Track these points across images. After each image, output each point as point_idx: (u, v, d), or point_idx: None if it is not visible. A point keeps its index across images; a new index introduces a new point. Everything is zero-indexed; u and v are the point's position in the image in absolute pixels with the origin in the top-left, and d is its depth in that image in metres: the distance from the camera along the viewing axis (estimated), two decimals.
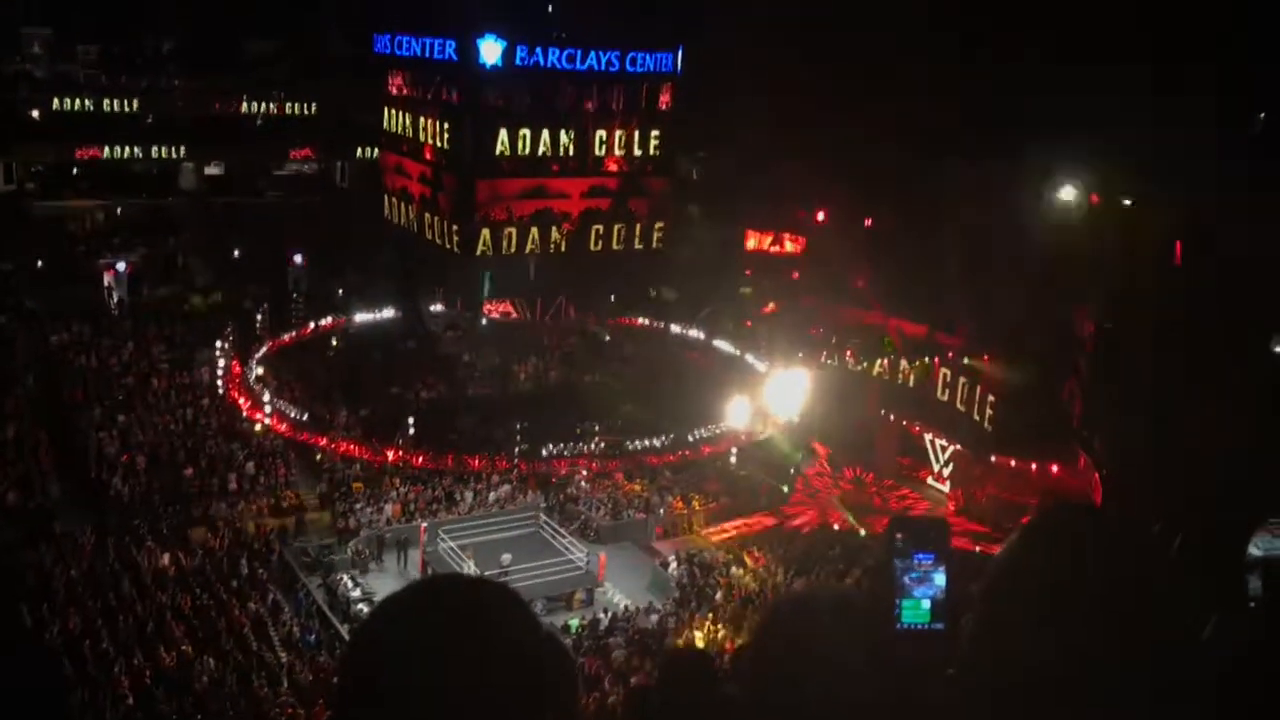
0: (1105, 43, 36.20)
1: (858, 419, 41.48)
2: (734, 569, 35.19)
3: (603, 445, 38.88)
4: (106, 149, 54.92)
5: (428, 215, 47.31)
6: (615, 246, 46.69)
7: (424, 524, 35.23)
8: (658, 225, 47.64)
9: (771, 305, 46.36)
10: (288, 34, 63.33)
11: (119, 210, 52.92)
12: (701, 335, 45.37)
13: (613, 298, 47.40)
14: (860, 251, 43.40)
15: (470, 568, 32.15)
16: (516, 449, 37.53)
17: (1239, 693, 2.15)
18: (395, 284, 45.18)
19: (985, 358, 38.55)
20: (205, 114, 59.04)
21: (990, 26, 42.04)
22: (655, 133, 46.43)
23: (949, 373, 40.34)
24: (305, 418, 37.11)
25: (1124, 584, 1.92)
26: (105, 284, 45.64)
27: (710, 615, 31.84)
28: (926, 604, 2.26)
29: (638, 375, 44.39)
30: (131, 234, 50.23)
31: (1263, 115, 36.13)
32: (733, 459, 39.50)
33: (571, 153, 44.87)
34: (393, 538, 35.13)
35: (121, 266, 45.93)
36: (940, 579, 2.28)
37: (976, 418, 38.68)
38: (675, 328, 45.96)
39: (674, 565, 35.58)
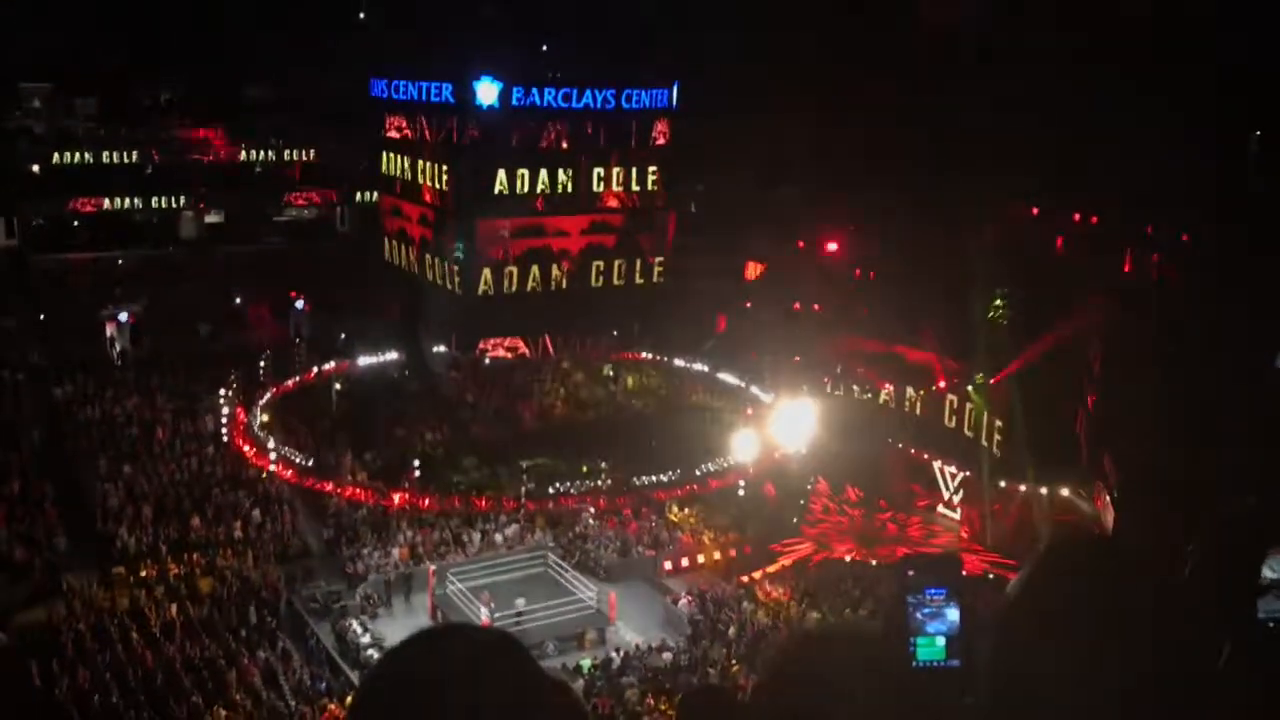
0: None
1: (866, 448, 41.33)
2: (745, 604, 34.94)
3: (609, 482, 38.70)
4: (107, 200, 55.27)
5: (428, 257, 47.47)
6: (616, 282, 46.79)
7: (433, 567, 35.04)
8: (658, 260, 47.77)
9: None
10: (285, 81, 63.80)
11: (120, 261, 53.09)
12: (706, 368, 45.33)
13: (615, 333, 47.41)
14: (860, 280, 43.47)
15: (485, 613, 31.94)
16: (523, 488, 37.36)
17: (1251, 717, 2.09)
18: (397, 327, 45.23)
19: (994, 380, 38.50)
20: (204, 163, 59.44)
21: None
22: (652, 168, 46.67)
23: (955, 399, 40.23)
24: (311, 463, 36.99)
25: (1137, 613, 1.89)
26: (108, 335, 45.73)
27: (725, 651, 31.59)
28: (941, 640, 2.24)
29: (642, 410, 44.28)
30: (134, 284, 50.33)
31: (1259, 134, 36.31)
32: (741, 492, 39.28)
33: (570, 190, 45.08)
34: (399, 581, 34.95)
35: (124, 317, 46.05)
36: (953, 614, 2.25)
37: (985, 443, 38.54)
38: (679, 361, 45.92)
39: (685, 601, 35.32)
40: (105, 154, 58.12)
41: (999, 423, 37.95)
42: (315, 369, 43.50)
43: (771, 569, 37.32)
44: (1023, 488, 36.59)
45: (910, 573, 2.30)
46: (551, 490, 37.12)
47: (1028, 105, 38.47)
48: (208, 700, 27.08)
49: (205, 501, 37.03)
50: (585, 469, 39.09)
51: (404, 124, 48.77)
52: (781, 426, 38.89)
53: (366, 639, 31.19)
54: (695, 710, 3.74)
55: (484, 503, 36.70)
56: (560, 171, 44.69)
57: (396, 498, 36.20)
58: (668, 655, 31.72)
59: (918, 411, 42.00)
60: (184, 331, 47.56)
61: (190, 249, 54.80)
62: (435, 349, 45.66)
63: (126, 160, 58.32)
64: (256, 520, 36.67)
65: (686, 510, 39.73)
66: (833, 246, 47.75)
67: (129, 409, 41.55)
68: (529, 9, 51.95)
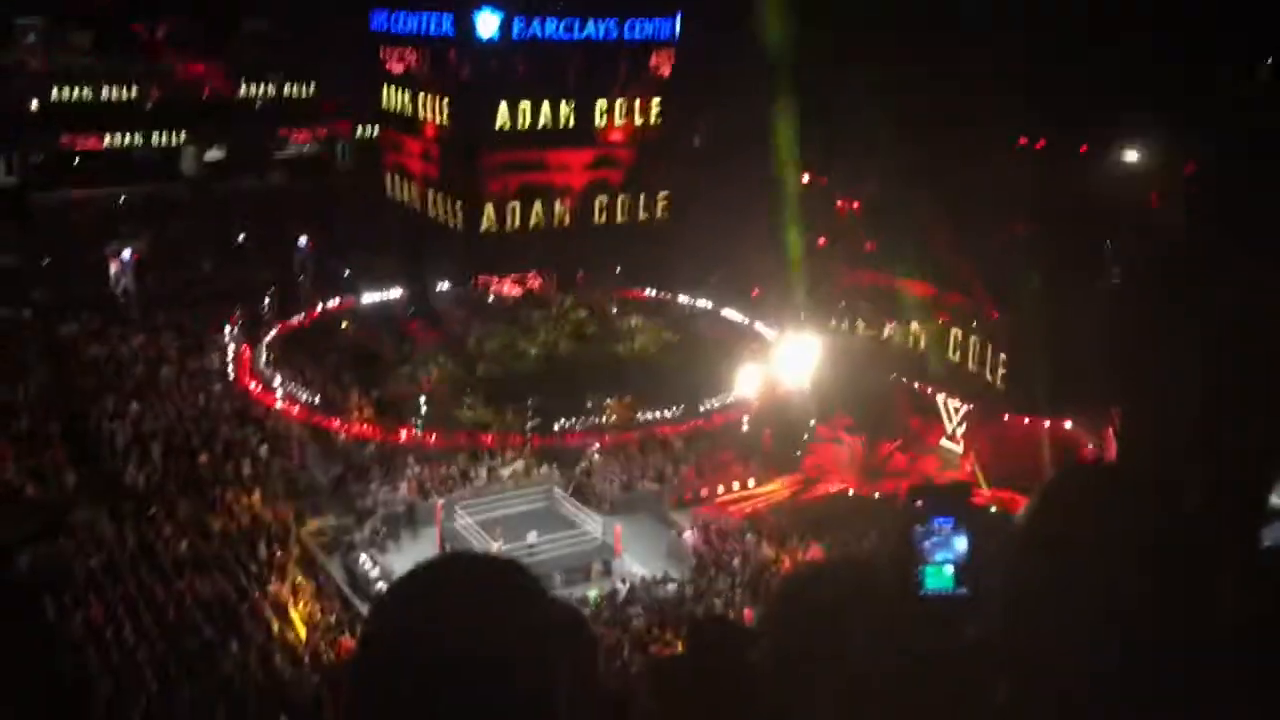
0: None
1: (869, 383, 41.40)
2: (749, 535, 35.25)
3: (614, 418, 38.85)
4: (107, 137, 54.87)
5: (430, 192, 47.20)
6: (620, 218, 46.54)
7: (440, 501, 35.34)
8: (661, 195, 47.46)
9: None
10: (284, 14, 62.95)
11: (122, 198, 52.86)
12: (709, 304, 45.27)
13: (618, 269, 47.25)
14: (868, 213, 43.25)
15: (497, 546, 32.28)
16: (528, 425, 37.52)
17: (1257, 647, 2.10)
18: (402, 263, 45.12)
19: (994, 315, 38.49)
20: (203, 98, 58.92)
21: None
22: (656, 100, 46.17)
23: (959, 332, 40.22)
24: (317, 400, 37.13)
25: (1143, 540, 1.87)
26: (111, 272, 45.69)
27: (730, 582, 31.95)
28: (949, 569, 2.24)
29: (646, 347, 44.28)
30: (136, 222, 50.17)
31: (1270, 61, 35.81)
32: (744, 427, 39.43)
33: (572, 124, 44.61)
34: (406, 515, 35.29)
35: (127, 255, 45.95)
36: (961, 543, 2.26)
37: (989, 377, 38.61)
38: (683, 297, 45.84)
39: (690, 534, 35.64)
40: (104, 89, 57.59)
41: (1003, 355, 37.98)
42: (319, 306, 43.51)
43: (771, 488, 37.60)
44: (1026, 420, 36.69)
45: (918, 503, 2.30)
46: (557, 427, 37.19)
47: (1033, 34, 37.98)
48: (220, 634, 27.47)
49: (213, 438, 37.26)
50: (589, 405, 39.16)
51: (404, 57, 48.23)
52: (785, 362, 38.85)
53: (375, 572, 31.55)
54: (703, 639, 3.79)
55: (490, 439, 36.83)
56: (562, 104, 44.22)
57: (403, 434, 36.36)
58: (673, 586, 32.11)
59: (921, 346, 42.02)
60: (187, 268, 47.53)
61: (191, 185, 54.52)
62: (439, 286, 45.59)
63: (125, 96, 57.80)
64: (264, 457, 36.92)
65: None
66: (825, 180, 47.42)
67: (135, 346, 41.66)
68: None
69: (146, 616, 28.09)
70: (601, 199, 46.15)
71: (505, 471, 37.98)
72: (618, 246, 46.22)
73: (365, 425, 36.84)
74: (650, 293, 47.40)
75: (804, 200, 48.09)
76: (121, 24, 61.54)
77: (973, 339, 39.63)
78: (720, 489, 38.71)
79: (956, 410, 40.83)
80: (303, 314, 43.06)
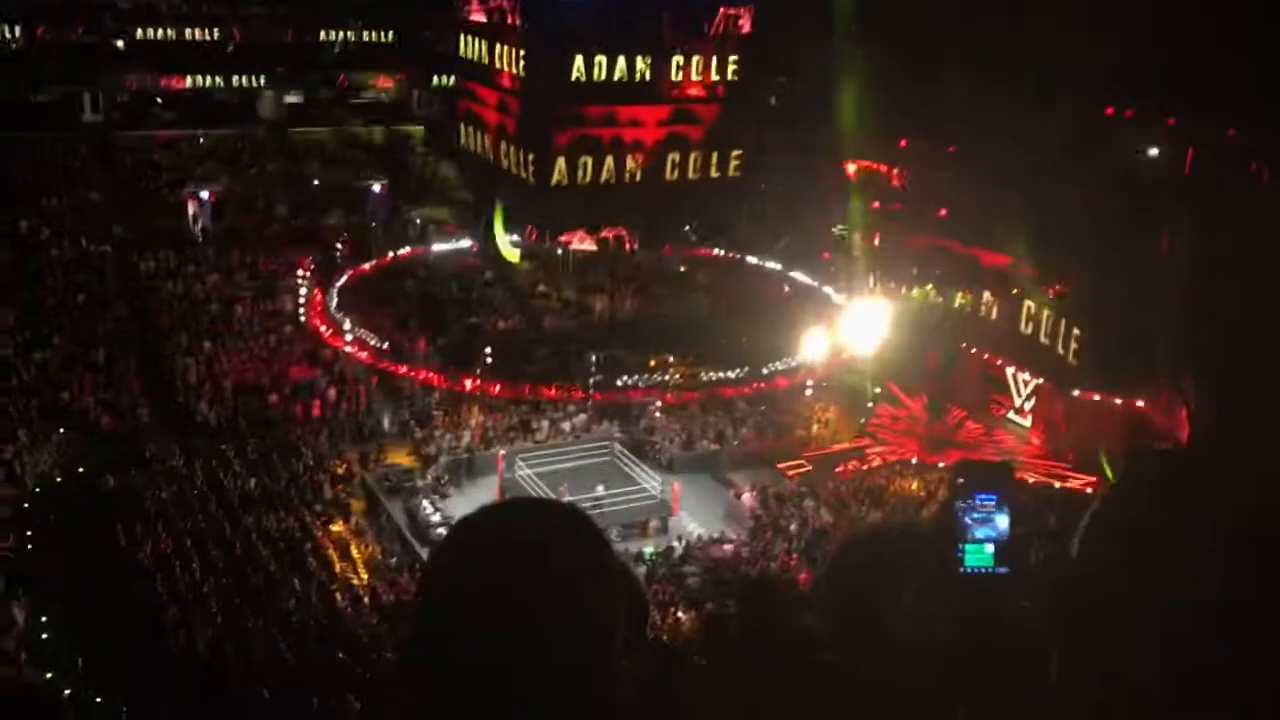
0: None
1: (938, 352, 40.95)
2: (808, 501, 35.20)
3: (677, 377, 38.85)
4: (189, 79, 55.67)
5: (503, 144, 47.27)
6: (691, 176, 46.25)
7: (501, 452, 35.73)
8: (734, 154, 47.03)
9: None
10: None
11: (201, 139, 53.72)
12: (779, 267, 44.96)
13: (688, 228, 47.04)
14: (943, 181, 42.55)
15: (564, 497, 32.62)
16: (591, 380, 37.68)
17: None
18: (472, 213, 45.37)
19: (1060, 288, 37.84)
20: (285, 43, 59.51)
21: None
22: (734, 58, 45.65)
23: (1033, 305, 39.56)
24: (385, 346, 37.62)
25: (1220, 529, 1.82)
26: (190, 213, 46.53)
27: (785, 546, 31.98)
28: (990, 547, 2.25)
29: (713, 307, 44.16)
30: (214, 163, 51.02)
31: None
32: (809, 392, 39.26)
33: (648, 79, 44.28)
34: (468, 464, 35.77)
35: (205, 195, 46.75)
36: (1003, 521, 2.26)
37: (1060, 351, 37.97)
38: (751, 259, 45.58)
39: (748, 496, 35.70)
40: (187, 31, 58.44)
41: (1076, 331, 37.32)
42: (391, 253, 43.96)
43: (841, 447, 37.57)
44: (1096, 397, 36.08)
45: (961, 479, 2.30)
46: (620, 383, 37.30)
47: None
48: (283, 570, 28.13)
49: (283, 379, 37.98)
50: (653, 363, 39.21)
51: (482, 6, 48.17)
52: (852, 328, 38.54)
53: (436, 518, 32.04)
54: (755, 600, 3.79)
55: (553, 392, 37.06)
56: (638, 59, 43.88)
57: (468, 383, 36.74)
58: (729, 547, 32.22)
59: (993, 316, 41.42)
60: (263, 211, 48.23)
61: (269, 128, 55.19)
62: (510, 238, 45.82)
63: (208, 37, 58.61)
64: (332, 400, 37.57)
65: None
66: (903, 143, 46.72)
67: (209, 286, 42.48)
68: None
69: (214, 550, 28.83)
70: (674, 156, 45.84)
71: (566, 425, 38.25)
72: (689, 204, 45.97)
73: (431, 373, 37.23)
74: (719, 252, 47.16)
75: (888, 166, 47.50)
76: None
77: (1046, 312, 38.95)
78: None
79: (1026, 384, 40.25)
80: (374, 260, 43.56)
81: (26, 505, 29.07)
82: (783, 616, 3.56)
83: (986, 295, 41.53)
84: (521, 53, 45.04)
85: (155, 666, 23.52)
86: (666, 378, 38.53)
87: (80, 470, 31.62)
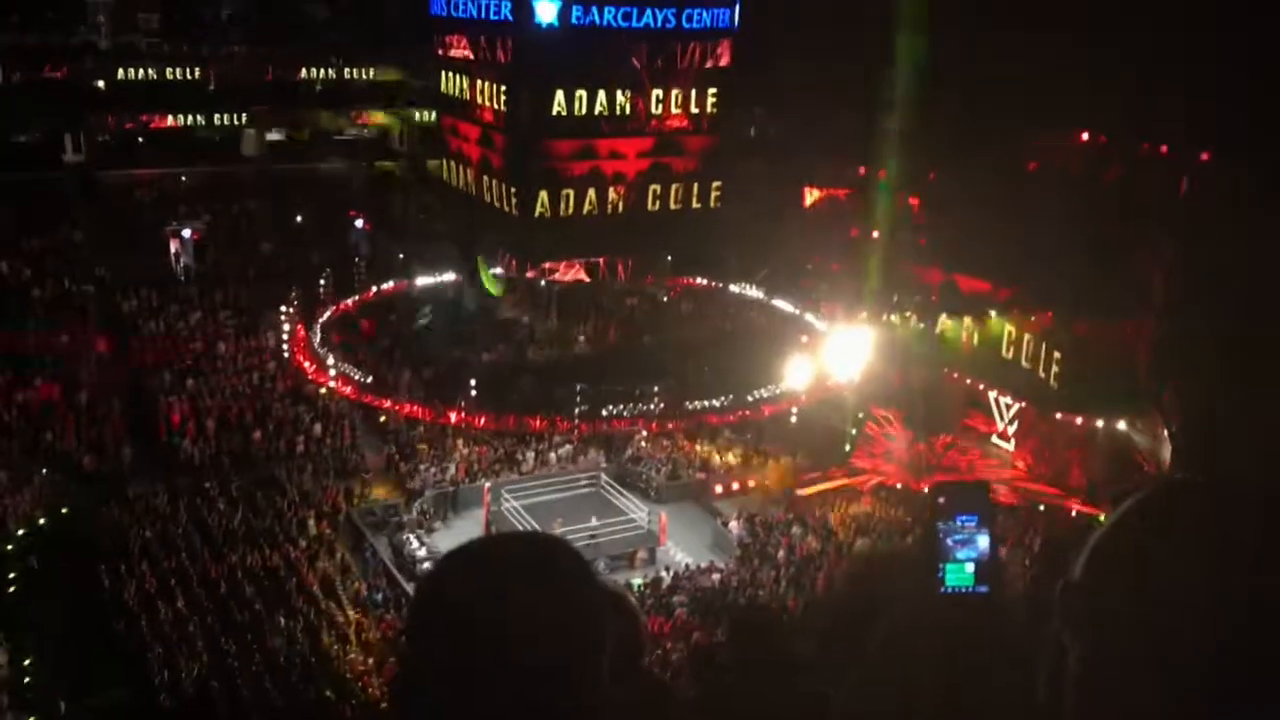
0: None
1: (920, 378, 41.07)
2: (795, 529, 35.18)
3: (662, 406, 38.92)
4: (170, 117, 55.77)
5: (485, 178, 47.41)
6: (673, 206, 46.43)
7: (488, 484, 35.65)
8: (715, 185, 47.26)
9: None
10: None
11: (183, 178, 53.73)
12: (760, 294, 45.15)
13: (669, 258, 47.21)
14: (921, 207, 42.89)
15: (559, 529, 32.58)
16: (576, 410, 37.71)
17: None
18: (455, 248, 45.43)
19: (1048, 314, 38.09)
20: (265, 81, 59.70)
21: None
22: (712, 90, 45.94)
23: (1014, 329, 39.80)
24: (369, 380, 37.57)
25: (1237, 562, 1.75)
26: (172, 251, 46.48)
27: (773, 574, 31.94)
28: (970, 567, 2.26)
29: (696, 336, 44.24)
30: (197, 201, 51.00)
31: None
32: (793, 419, 39.34)
33: (628, 112, 44.54)
34: (453, 497, 35.68)
35: (187, 234, 46.72)
36: (983, 541, 2.27)
37: (1042, 375, 38.17)
38: (734, 287, 45.76)
39: (735, 524, 35.66)
40: (168, 70, 58.56)
41: (1057, 354, 37.54)
42: (374, 288, 43.96)
43: (823, 486, 37.51)
44: (1079, 420, 36.25)
45: (940, 499, 2.31)
46: (605, 412, 37.33)
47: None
48: (269, 608, 27.95)
49: (266, 416, 37.85)
50: (638, 392, 39.24)
51: (463, 42, 48.42)
52: (836, 354, 38.70)
53: (422, 552, 31.90)
54: (745, 628, 3.82)
55: (539, 422, 37.05)
56: (619, 93, 44.14)
57: (453, 415, 36.69)
58: (716, 576, 32.16)
59: (974, 341, 41.64)
60: (246, 248, 48.21)
61: (252, 167, 55.27)
62: (493, 270, 45.89)
63: (189, 77, 58.73)
64: (317, 435, 37.45)
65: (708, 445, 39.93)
66: (882, 173, 47.16)
67: (192, 324, 42.37)
68: None
69: (198, 589, 28.63)
70: (655, 187, 45.97)
71: (552, 457, 38.22)
72: (670, 235, 46.11)
73: (416, 406, 37.18)
74: (701, 281, 47.33)
75: (860, 193, 47.90)
76: (187, 6, 62.68)
77: (1026, 336, 39.20)
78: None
79: (1008, 407, 40.42)
80: (358, 295, 43.56)
81: (10, 547, 28.84)
82: (772, 645, 3.60)
83: (967, 320, 41.74)
84: (502, 88, 45.25)
85: (140, 708, 23.32)
86: (651, 406, 38.54)
87: (63, 511, 31.42)
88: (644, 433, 38.94)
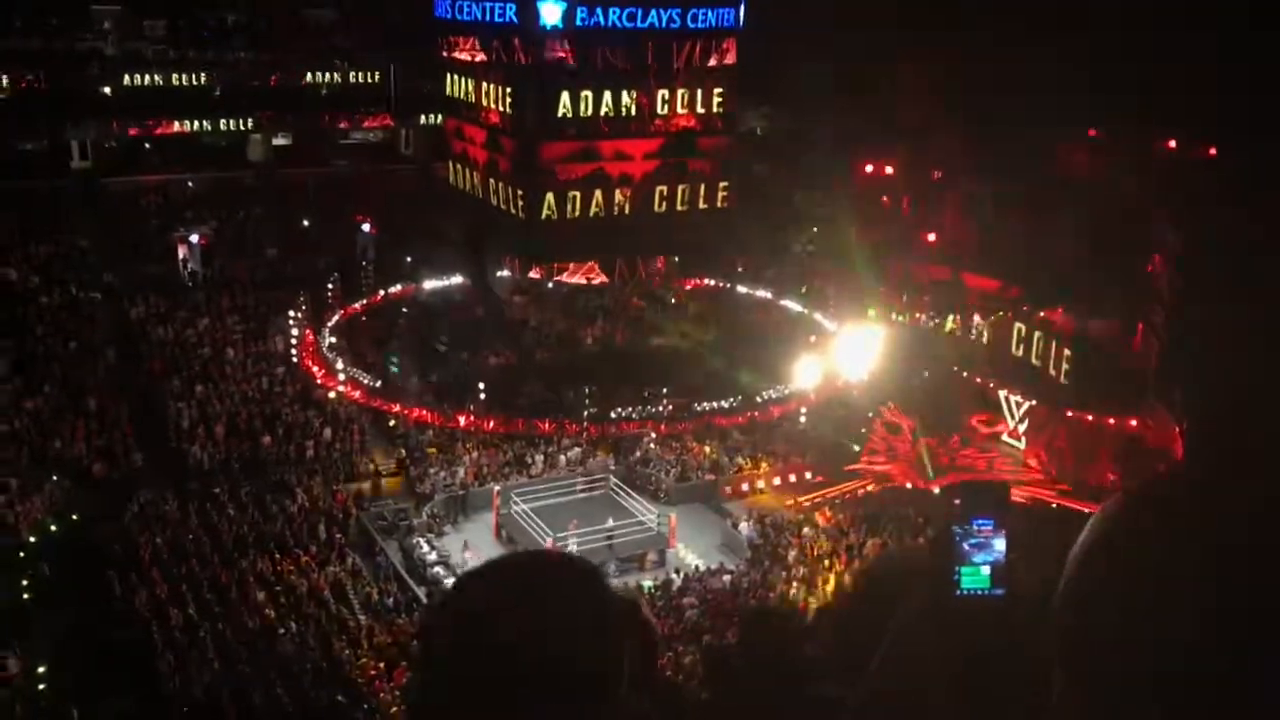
0: None
1: (930, 376, 40.99)
2: (806, 529, 35.13)
3: (671, 408, 38.86)
4: (176, 123, 55.88)
5: (492, 180, 47.44)
6: (680, 207, 46.41)
7: (497, 488, 35.65)
8: (722, 185, 47.20)
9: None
10: (349, 3, 63.75)
11: (190, 184, 53.85)
12: (768, 294, 45.11)
13: (676, 259, 47.23)
14: (930, 206, 42.83)
15: (573, 529, 32.97)
16: (585, 413, 37.69)
17: None
18: (462, 250, 45.46)
19: (1058, 311, 38.02)
20: (270, 86, 59.82)
21: None
22: (718, 90, 45.86)
23: (1024, 327, 39.69)
24: (378, 385, 37.57)
25: (1215, 569, 1.68)
26: (179, 257, 46.58)
27: (784, 575, 31.88)
28: (986, 570, 2.24)
29: (704, 336, 44.20)
30: (204, 207, 51.10)
31: None
32: (802, 419, 39.27)
33: (634, 113, 44.51)
34: (464, 500, 35.72)
35: (195, 239, 46.82)
36: (1000, 544, 2.25)
37: (1052, 372, 38.07)
38: (741, 288, 45.72)
39: (745, 525, 35.62)
40: (174, 76, 58.72)
41: (1067, 351, 37.43)
42: (382, 292, 43.99)
43: (831, 493, 37.44)
44: (1089, 417, 36.14)
45: (956, 501, 2.28)
46: (614, 415, 37.28)
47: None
48: (280, 614, 27.95)
49: (276, 421, 37.90)
50: (647, 394, 39.19)
51: (467, 45, 48.48)
52: (844, 354, 38.61)
53: (433, 556, 31.93)
54: (756, 630, 3.76)
55: (547, 426, 37.03)
56: (624, 94, 44.12)
57: (461, 419, 36.67)
58: (727, 578, 32.11)
59: (984, 339, 41.53)
60: (253, 253, 48.30)
61: (258, 171, 55.37)
62: (499, 273, 45.89)
63: (195, 83, 58.88)
64: (326, 440, 37.50)
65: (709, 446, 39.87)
66: (889, 170, 47.17)
67: (200, 329, 42.43)
68: None
69: (209, 595, 28.64)
70: (662, 188, 45.95)
71: (562, 459, 38.20)
72: (677, 236, 46.10)
73: (425, 410, 37.17)
74: (709, 282, 47.32)
75: (867, 192, 47.83)
76: (193, 12, 62.82)
77: (1036, 334, 39.09)
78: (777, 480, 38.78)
79: (1019, 405, 40.29)
80: (365, 299, 43.61)
81: (21, 554, 28.89)
82: (784, 647, 3.54)
83: (976, 319, 41.64)
84: (508, 90, 45.28)
85: (152, 715, 23.33)
86: (660, 408, 38.48)
87: (74, 518, 31.47)
88: (653, 435, 38.85)
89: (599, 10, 42.35)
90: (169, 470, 35.44)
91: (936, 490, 35.83)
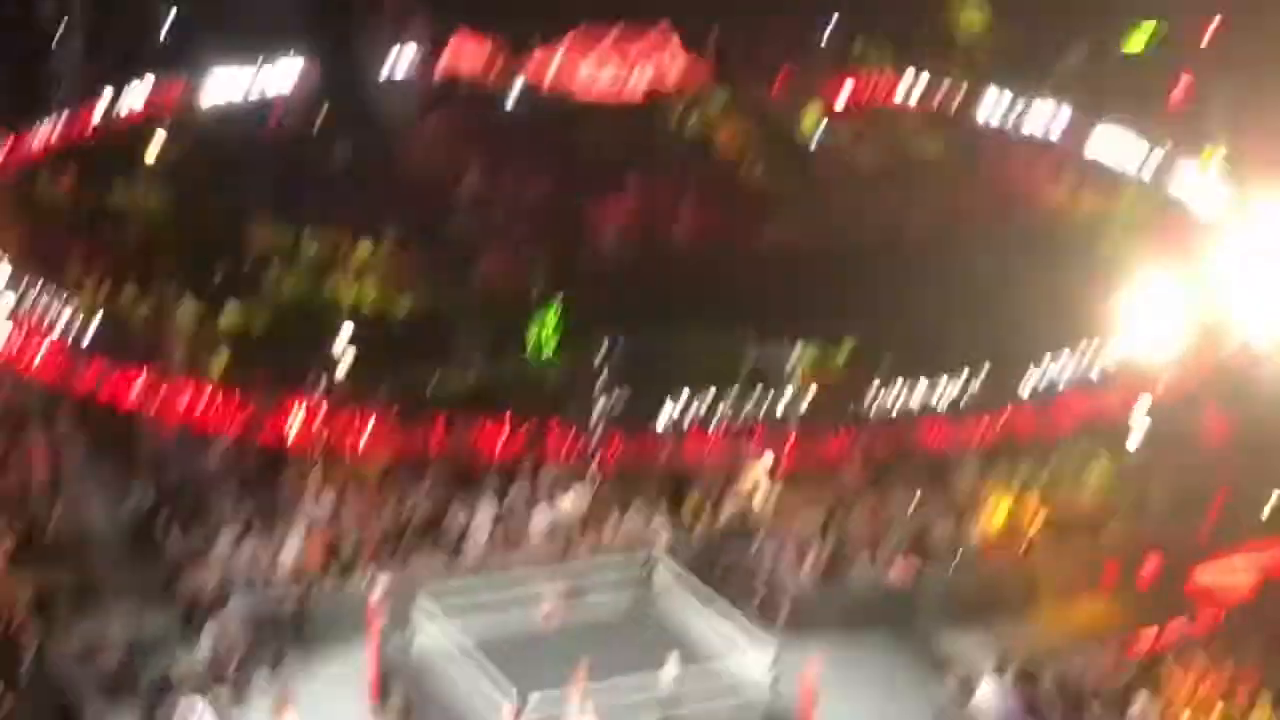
0: None
1: None
2: (1142, 696, 14.92)
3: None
4: None
5: None
6: None
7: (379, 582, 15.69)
8: None
9: None
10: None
11: None
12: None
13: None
14: None
15: (579, 689, 14.80)
16: (600, 405, 20.04)
17: None
18: None
19: None
20: None
21: None
22: None
23: None
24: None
25: None
26: None
27: None
28: None
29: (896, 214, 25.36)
30: None
31: None
32: (1134, 434, 19.29)
33: None
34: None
35: None
36: None
37: None
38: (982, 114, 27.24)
39: (990, 687, 15.00)
40: None
41: None
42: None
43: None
44: None
45: None
46: (662, 420, 18.87)
47: None
48: None
49: None
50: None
51: None
52: (1255, 277, 18.79)
53: None
54: None
55: (492, 435, 17.96)
56: None
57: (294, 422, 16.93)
58: None
59: None
60: None
61: None
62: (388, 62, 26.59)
63: None
64: None
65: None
66: None
67: None
68: None
69: None
70: None
71: (539, 517, 17.25)
72: None
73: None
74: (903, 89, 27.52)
75: None
76: None
77: None
78: None
79: None
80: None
81: None
82: None
83: None
84: None
85: None
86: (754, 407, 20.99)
87: None
88: (756, 463, 18.36)
89: None
90: None
91: None
